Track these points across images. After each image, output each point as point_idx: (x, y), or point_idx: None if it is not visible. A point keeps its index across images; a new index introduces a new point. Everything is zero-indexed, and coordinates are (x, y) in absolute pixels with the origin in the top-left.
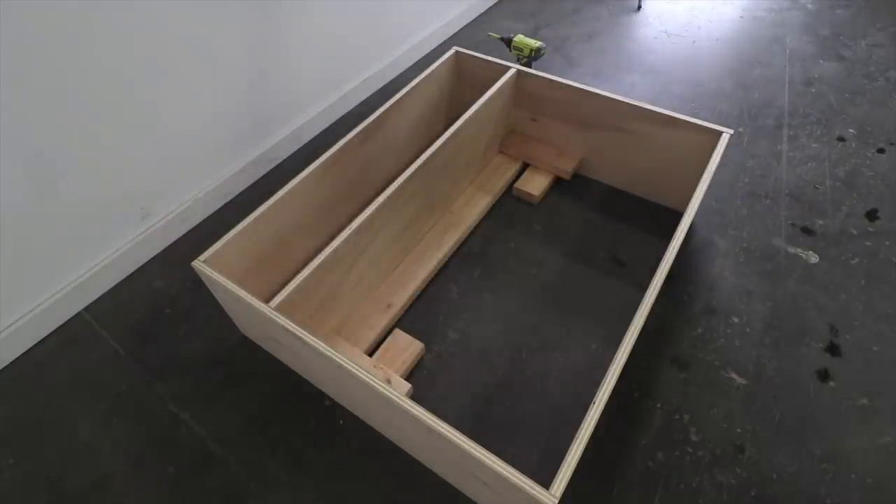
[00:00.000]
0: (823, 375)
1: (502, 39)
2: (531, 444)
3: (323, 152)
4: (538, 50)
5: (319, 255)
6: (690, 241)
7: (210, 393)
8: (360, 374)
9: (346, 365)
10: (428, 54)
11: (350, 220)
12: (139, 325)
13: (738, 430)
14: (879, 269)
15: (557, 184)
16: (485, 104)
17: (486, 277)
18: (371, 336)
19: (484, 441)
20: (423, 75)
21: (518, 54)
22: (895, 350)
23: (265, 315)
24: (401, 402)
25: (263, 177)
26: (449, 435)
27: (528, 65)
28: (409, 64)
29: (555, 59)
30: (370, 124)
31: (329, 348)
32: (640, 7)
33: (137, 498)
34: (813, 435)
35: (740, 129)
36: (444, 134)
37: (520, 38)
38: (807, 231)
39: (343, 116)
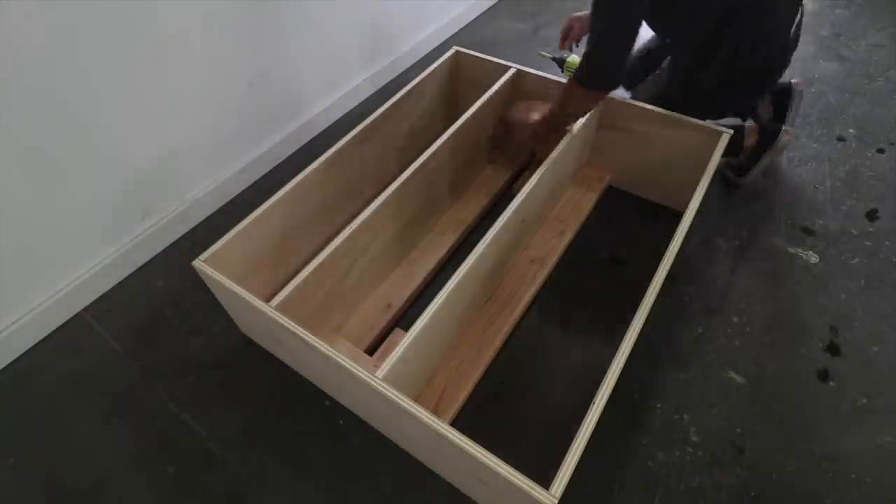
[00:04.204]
0: (823, 375)
1: (554, 59)
2: (531, 444)
3: (323, 152)
4: None
5: (319, 255)
6: (690, 241)
7: (210, 393)
8: (360, 374)
9: (346, 365)
10: (428, 54)
11: (350, 220)
12: (139, 325)
13: (738, 430)
14: (879, 269)
15: None
16: (485, 104)
17: None
18: (371, 336)
19: (484, 441)
20: (423, 75)
21: (570, 75)
22: (895, 350)
23: (266, 314)
24: (401, 402)
25: (263, 177)
26: (449, 435)
27: None
28: (409, 64)
29: None
30: (370, 124)
31: (329, 348)
32: None
33: (137, 498)
34: (813, 435)
35: None
36: (444, 134)
37: (573, 59)
38: (807, 231)
39: (343, 116)
